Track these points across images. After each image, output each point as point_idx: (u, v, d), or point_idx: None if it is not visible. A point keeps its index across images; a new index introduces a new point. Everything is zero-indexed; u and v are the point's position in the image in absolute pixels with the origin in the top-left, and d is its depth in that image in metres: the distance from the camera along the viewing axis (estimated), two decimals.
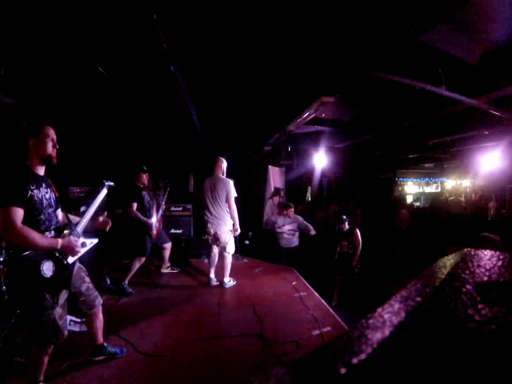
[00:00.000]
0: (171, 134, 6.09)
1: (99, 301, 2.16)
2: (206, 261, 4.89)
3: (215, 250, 4.06)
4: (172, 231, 5.47)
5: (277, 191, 6.59)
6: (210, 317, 3.13)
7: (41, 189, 1.78)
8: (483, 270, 0.37)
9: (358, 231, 4.77)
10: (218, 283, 4.04)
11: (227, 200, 3.78)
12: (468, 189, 11.51)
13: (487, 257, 0.41)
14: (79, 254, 1.94)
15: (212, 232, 3.86)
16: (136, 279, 4.02)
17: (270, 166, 6.98)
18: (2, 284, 2.80)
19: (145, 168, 4.03)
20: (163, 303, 3.51)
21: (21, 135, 1.83)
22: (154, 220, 3.97)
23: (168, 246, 4.43)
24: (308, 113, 4.08)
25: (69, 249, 1.83)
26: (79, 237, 1.96)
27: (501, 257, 0.40)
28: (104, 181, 2.33)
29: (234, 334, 2.77)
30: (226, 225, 3.84)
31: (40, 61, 3.02)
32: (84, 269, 2.10)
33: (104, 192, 2.28)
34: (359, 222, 6.52)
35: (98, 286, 3.76)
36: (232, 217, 3.86)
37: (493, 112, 3.87)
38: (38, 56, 2.91)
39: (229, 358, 2.41)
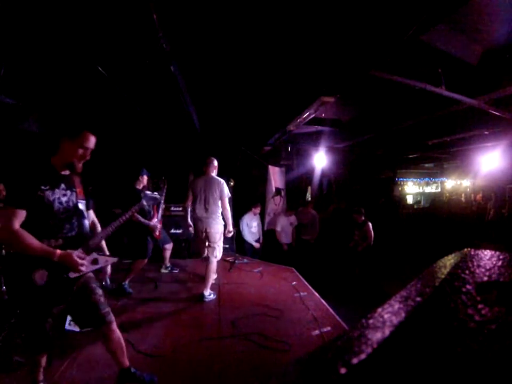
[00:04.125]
0: (171, 134, 6.08)
1: (110, 318, 1.82)
2: None
3: (205, 255, 3.81)
4: (172, 231, 5.47)
5: (277, 191, 6.61)
6: (210, 317, 3.13)
7: (56, 190, 1.63)
8: (483, 270, 0.37)
9: (370, 223, 5.47)
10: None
11: (221, 200, 3.67)
12: (468, 189, 11.51)
13: (487, 257, 0.41)
14: (85, 271, 1.72)
15: (203, 229, 3.67)
16: (136, 279, 4.02)
17: (270, 166, 6.99)
18: (2, 284, 2.81)
19: (146, 171, 4.03)
20: (163, 303, 3.51)
21: (56, 128, 1.74)
22: (155, 220, 3.97)
23: (169, 246, 4.43)
24: (308, 113, 4.08)
25: (69, 264, 1.63)
26: (89, 252, 1.75)
27: (501, 257, 0.40)
28: (142, 194, 2.29)
29: (234, 334, 2.77)
30: (218, 224, 3.68)
31: (40, 61, 3.02)
32: (95, 280, 1.87)
33: (133, 210, 2.22)
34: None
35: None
36: (225, 218, 3.74)
37: (493, 112, 3.86)
38: (38, 56, 2.91)
39: (229, 358, 2.41)
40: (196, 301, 3.59)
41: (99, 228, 2.06)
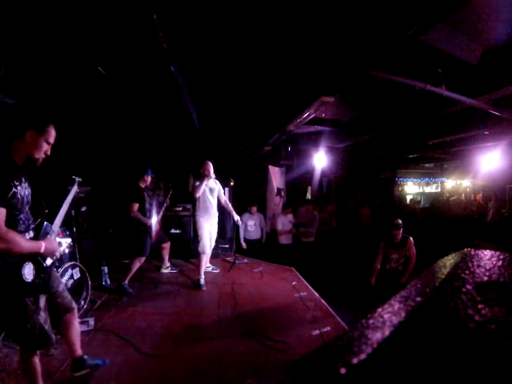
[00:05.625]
0: (171, 134, 6.09)
1: (74, 304, 1.98)
2: None
3: None
4: (172, 231, 5.47)
5: (277, 191, 6.61)
6: (210, 317, 3.13)
7: (22, 184, 1.60)
8: (483, 270, 0.37)
9: (412, 240, 3.81)
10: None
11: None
12: (468, 189, 11.51)
13: (487, 257, 0.41)
14: (58, 255, 1.82)
15: None
16: (136, 279, 4.03)
17: (270, 166, 6.99)
18: None
19: (151, 172, 4.06)
20: (163, 303, 3.51)
21: (17, 120, 1.64)
22: (154, 220, 3.98)
23: (166, 245, 4.44)
24: (308, 113, 4.08)
25: (51, 252, 1.71)
26: (55, 237, 1.85)
27: (501, 257, 0.40)
28: (74, 177, 2.29)
29: (234, 334, 2.77)
30: (194, 218, 4.23)
31: (40, 61, 3.02)
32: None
33: (75, 189, 2.25)
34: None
35: (98, 286, 3.79)
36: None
37: (493, 112, 3.87)
38: (39, 56, 2.91)
39: (229, 358, 2.41)
40: (197, 299, 3.60)
41: None
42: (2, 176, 1.49)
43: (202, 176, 4.00)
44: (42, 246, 1.62)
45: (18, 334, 1.69)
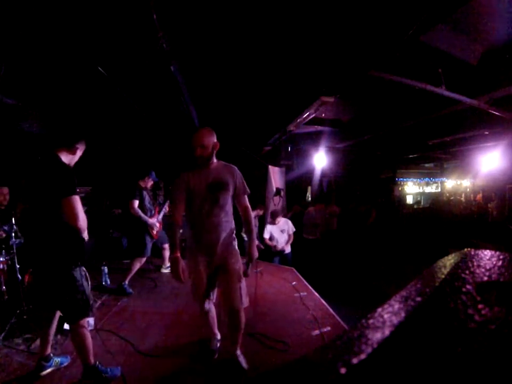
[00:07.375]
0: (171, 134, 6.09)
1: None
2: None
3: None
4: None
5: (277, 191, 6.60)
6: None
7: None
8: (483, 270, 0.37)
9: None
10: None
11: None
12: (468, 189, 11.51)
13: (487, 257, 0.41)
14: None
15: None
16: (136, 279, 4.02)
17: (270, 166, 6.99)
18: (2, 284, 2.81)
19: (154, 176, 4.07)
20: (163, 303, 3.51)
21: (72, 134, 2.05)
22: (155, 220, 3.98)
23: (168, 246, 4.43)
24: (308, 113, 4.08)
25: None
26: None
27: (501, 257, 0.40)
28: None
29: None
30: None
31: (40, 61, 3.02)
32: None
33: None
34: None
35: (98, 286, 3.79)
36: None
37: (493, 112, 3.87)
38: (39, 56, 2.91)
39: (229, 358, 2.40)
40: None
41: None
42: (73, 173, 1.89)
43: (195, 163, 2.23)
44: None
45: (76, 300, 1.92)
